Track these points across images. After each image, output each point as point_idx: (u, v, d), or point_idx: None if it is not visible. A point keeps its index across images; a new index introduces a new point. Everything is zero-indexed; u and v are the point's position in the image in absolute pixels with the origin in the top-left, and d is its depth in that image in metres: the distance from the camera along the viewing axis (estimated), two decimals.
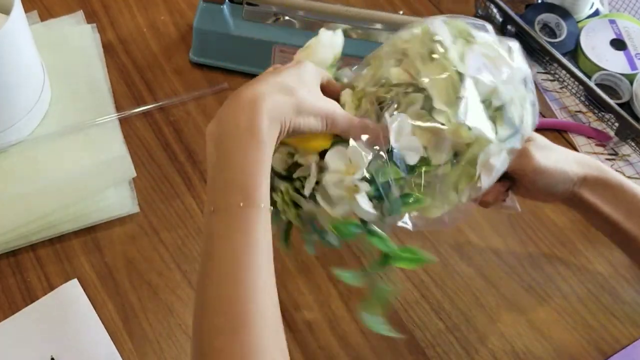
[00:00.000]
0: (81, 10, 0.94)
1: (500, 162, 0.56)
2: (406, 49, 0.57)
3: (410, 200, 0.55)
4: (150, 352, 0.68)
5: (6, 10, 0.77)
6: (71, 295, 0.70)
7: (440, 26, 0.57)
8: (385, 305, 0.57)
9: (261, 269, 0.48)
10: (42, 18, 0.93)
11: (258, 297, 0.47)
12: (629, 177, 0.85)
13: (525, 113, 0.58)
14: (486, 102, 0.55)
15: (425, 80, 0.54)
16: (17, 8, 0.74)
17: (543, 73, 0.95)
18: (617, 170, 0.84)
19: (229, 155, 0.50)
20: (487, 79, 0.55)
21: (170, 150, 0.83)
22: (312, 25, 0.87)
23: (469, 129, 0.53)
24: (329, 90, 0.58)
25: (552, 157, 0.62)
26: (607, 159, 0.86)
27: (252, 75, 0.89)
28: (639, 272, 0.76)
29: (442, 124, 0.53)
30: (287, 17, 0.87)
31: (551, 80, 0.94)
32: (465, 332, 0.71)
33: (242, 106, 0.50)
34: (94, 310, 0.69)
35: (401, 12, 0.87)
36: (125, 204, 0.76)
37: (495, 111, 0.56)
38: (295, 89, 0.52)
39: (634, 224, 0.63)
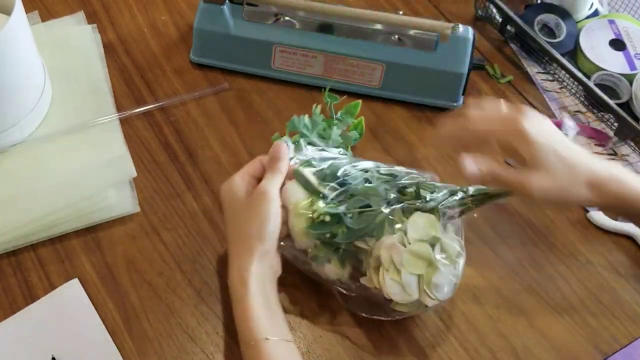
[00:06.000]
0: (82, 11, 0.94)
1: None
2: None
3: None
4: (150, 352, 0.68)
5: (7, 11, 0.77)
6: (72, 294, 0.70)
7: None
8: None
9: None
10: (43, 18, 0.93)
11: None
12: None
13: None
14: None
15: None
16: (18, 8, 0.74)
17: (542, 73, 0.95)
18: None
19: (232, 306, 0.64)
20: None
21: (171, 150, 0.83)
22: (312, 25, 0.87)
23: None
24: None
25: (555, 182, 0.61)
26: (606, 159, 0.86)
27: (252, 76, 0.91)
28: (639, 272, 0.76)
29: None
30: (287, 17, 0.87)
31: (550, 81, 0.94)
32: (465, 332, 0.71)
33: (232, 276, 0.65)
34: (95, 310, 0.69)
35: (401, 12, 0.87)
36: (125, 203, 0.76)
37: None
38: (254, 244, 0.64)
39: None
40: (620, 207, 0.64)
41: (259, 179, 0.67)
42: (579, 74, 0.89)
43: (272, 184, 0.65)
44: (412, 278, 0.62)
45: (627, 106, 0.89)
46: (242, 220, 0.65)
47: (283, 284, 0.71)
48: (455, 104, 0.89)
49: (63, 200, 0.74)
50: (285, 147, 0.68)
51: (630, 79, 0.91)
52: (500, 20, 0.97)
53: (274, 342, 0.60)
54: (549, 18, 0.97)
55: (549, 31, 0.98)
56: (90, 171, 0.78)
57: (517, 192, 0.63)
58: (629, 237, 0.79)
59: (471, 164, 0.62)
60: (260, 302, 0.62)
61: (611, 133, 0.88)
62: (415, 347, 0.69)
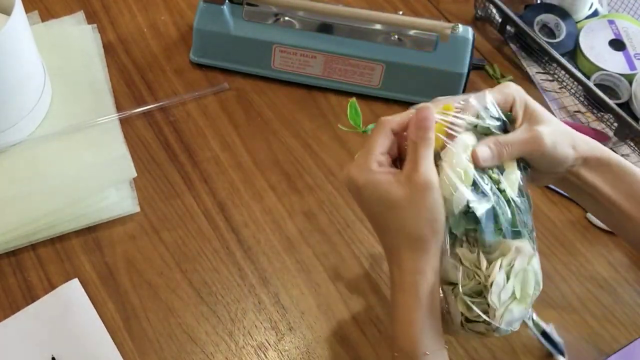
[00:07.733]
0: (82, 11, 0.94)
1: None
2: None
3: None
4: (150, 352, 0.68)
5: (7, 11, 0.77)
6: (72, 294, 0.70)
7: None
8: None
9: None
10: (43, 18, 0.93)
11: None
12: None
13: None
14: None
15: None
16: (18, 8, 0.74)
17: (542, 73, 0.95)
18: None
19: (393, 309, 0.58)
20: None
21: (171, 150, 0.83)
22: (312, 25, 0.87)
23: None
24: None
25: (555, 139, 0.59)
26: None
27: (252, 76, 0.91)
28: (639, 272, 0.76)
29: None
30: (287, 17, 0.87)
31: (550, 81, 0.94)
32: None
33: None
34: (95, 310, 0.69)
35: (401, 12, 0.87)
36: (125, 203, 0.76)
37: None
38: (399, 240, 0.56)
39: (633, 204, 0.62)
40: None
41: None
42: (579, 74, 0.89)
43: (431, 166, 0.55)
44: (509, 290, 0.56)
45: (626, 106, 0.89)
46: (405, 217, 0.55)
47: (280, 279, 0.71)
48: None
49: (63, 200, 0.74)
50: (433, 112, 0.57)
51: (629, 79, 0.91)
52: (500, 20, 0.97)
53: (433, 354, 0.56)
54: (549, 18, 0.97)
55: (549, 31, 0.98)
56: (90, 171, 0.78)
57: (529, 148, 0.59)
58: None
59: (482, 149, 0.57)
60: (428, 310, 0.56)
61: (611, 133, 0.88)
62: None
